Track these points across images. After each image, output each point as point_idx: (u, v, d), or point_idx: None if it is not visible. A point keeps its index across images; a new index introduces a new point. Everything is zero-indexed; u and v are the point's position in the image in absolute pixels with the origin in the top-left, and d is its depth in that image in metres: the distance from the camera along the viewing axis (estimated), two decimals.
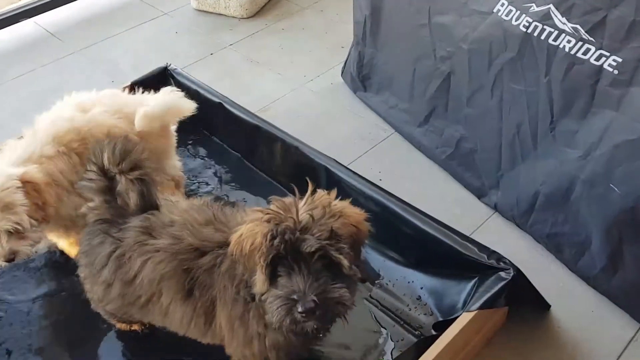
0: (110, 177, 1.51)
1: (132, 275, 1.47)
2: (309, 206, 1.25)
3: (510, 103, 2.03)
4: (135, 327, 1.80)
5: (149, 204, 1.52)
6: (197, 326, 1.46)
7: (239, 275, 1.36)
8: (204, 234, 1.44)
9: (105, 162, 1.48)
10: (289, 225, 1.21)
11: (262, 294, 1.26)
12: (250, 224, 1.28)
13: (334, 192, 1.32)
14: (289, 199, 1.28)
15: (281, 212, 1.24)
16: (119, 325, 1.81)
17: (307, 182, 1.30)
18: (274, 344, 1.40)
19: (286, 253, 1.20)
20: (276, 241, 1.20)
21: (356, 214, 1.33)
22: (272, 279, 1.23)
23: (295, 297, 1.19)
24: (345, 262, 1.21)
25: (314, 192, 1.30)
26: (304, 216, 1.22)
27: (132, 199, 1.49)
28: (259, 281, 1.25)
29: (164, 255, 1.44)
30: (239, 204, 1.59)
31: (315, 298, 1.18)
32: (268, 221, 1.23)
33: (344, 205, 1.31)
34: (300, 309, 1.18)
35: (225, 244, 1.38)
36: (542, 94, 1.90)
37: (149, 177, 1.51)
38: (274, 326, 1.25)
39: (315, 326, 1.23)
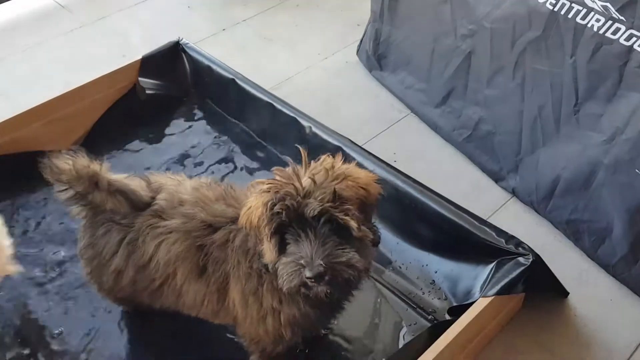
0: (82, 193, 1.44)
1: (146, 260, 1.44)
2: (312, 171, 1.21)
3: (532, 84, 1.97)
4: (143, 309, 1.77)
5: (139, 206, 1.46)
6: (210, 304, 1.43)
7: (252, 250, 1.33)
8: (216, 210, 1.41)
9: (66, 181, 1.42)
10: (289, 191, 1.17)
11: (274, 264, 1.23)
12: (255, 195, 1.25)
13: (339, 156, 1.28)
14: (291, 168, 1.24)
15: (283, 180, 1.21)
16: (125, 308, 1.79)
17: (299, 150, 1.27)
18: (290, 319, 1.37)
19: (290, 220, 1.17)
20: (277, 208, 1.17)
21: (364, 175, 1.29)
22: (282, 248, 1.21)
23: (302, 262, 1.16)
24: (353, 224, 1.17)
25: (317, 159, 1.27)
26: (306, 181, 1.19)
27: (122, 208, 1.44)
28: (267, 251, 1.23)
29: (177, 235, 1.41)
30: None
31: (322, 262, 1.15)
32: (268, 190, 1.21)
33: (350, 167, 1.27)
34: (307, 274, 1.15)
35: (237, 219, 1.35)
36: (566, 76, 1.84)
37: (122, 187, 1.43)
38: (285, 291, 1.22)
39: (328, 291, 1.19)
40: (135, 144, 2.40)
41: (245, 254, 1.35)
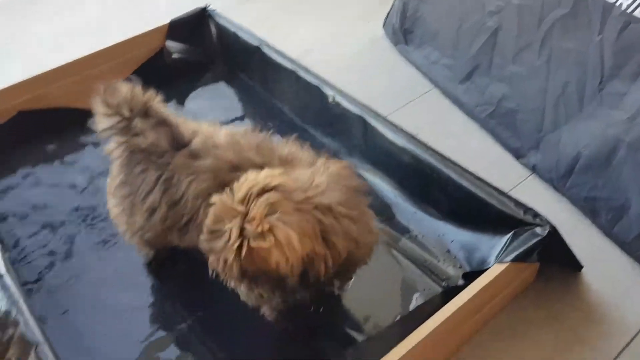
0: (128, 118, 1.50)
1: (178, 197, 1.49)
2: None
3: (558, 62, 1.97)
4: (164, 257, 1.82)
5: (181, 144, 1.52)
6: None
7: None
8: (245, 155, 1.46)
9: (115, 106, 1.48)
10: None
11: None
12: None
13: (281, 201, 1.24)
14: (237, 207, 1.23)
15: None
16: (149, 257, 1.84)
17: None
18: None
19: None
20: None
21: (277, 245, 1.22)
22: None
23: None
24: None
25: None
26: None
27: (162, 141, 1.50)
28: None
29: (207, 174, 1.45)
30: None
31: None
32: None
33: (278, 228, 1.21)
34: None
35: (262, 167, 1.38)
36: (592, 54, 1.84)
37: (168, 120, 1.51)
38: None
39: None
40: None
41: None
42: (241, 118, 2.43)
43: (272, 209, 1.20)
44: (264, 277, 1.26)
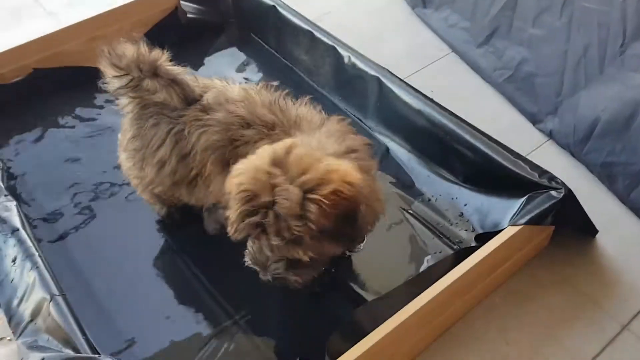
0: (137, 78, 1.49)
1: (188, 150, 1.49)
2: (282, 205, 1.18)
3: (579, 23, 1.92)
4: (176, 215, 1.83)
5: (192, 100, 1.52)
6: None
7: None
8: (257, 111, 1.45)
9: (123, 68, 1.48)
10: (258, 220, 1.21)
11: None
12: (242, 174, 1.24)
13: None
14: (272, 170, 1.21)
15: (257, 189, 1.20)
16: (161, 213, 1.85)
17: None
18: None
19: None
20: (242, 225, 1.23)
21: (343, 183, 1.20)
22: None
23: (256, 268, 1.31)
24: (305, 258, 1.24)
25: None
26: (272, 213, 1.19)
27: (173, 99, 1.50)
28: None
29: (217, 127, 1.45)
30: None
31: (270, 278, 1.31)
32: (246, 191, 1.21)
33: (327, 173, 1.21)
34: (261, 277, 1.31)
35: (272, 126, 1.37)
36: (615, 14, 1.79)
37: (178, 78, 1.49)
38: None
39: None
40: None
41: None
42: (256, 82, 2.41)
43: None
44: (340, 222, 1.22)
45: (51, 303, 1.49)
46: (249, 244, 1.31)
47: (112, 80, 1.52)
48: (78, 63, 2.24)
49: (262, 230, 1.21)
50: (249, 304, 1.66)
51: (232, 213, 1.24)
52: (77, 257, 1.80)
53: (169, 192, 1.63)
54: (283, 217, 1.18)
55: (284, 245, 1.21)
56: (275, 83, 1.57)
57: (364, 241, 1.75)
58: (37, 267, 1.56)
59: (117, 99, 1.61)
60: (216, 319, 1.64)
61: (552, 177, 1.65)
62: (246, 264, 1.34)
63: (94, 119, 2.23)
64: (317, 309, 1.66)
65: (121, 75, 1.50)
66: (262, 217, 1.20)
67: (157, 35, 2.43)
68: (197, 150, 1.48)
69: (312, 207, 1.17)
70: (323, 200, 1.17)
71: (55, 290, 1.51)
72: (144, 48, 1.49)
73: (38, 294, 1.52)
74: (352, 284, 1.72)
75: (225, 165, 1.46)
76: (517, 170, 1.70)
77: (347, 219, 1.23)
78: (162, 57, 1.50)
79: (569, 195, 1.61)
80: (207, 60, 2.51)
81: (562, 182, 1.64)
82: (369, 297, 1.67)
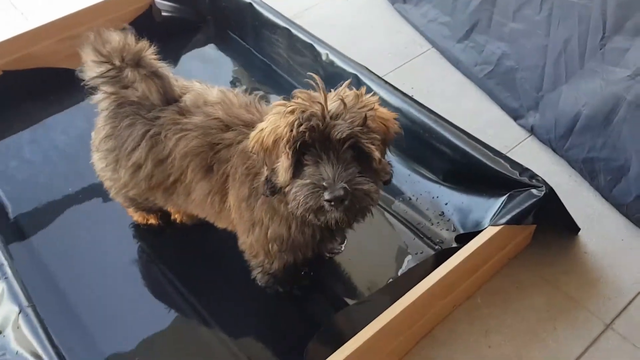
0: (118, 67, 1.44)
1: (165, 154, 1.45)
2: (341, 94, 1.18)
3: (559, 17, 1.89)
4: (151, 220, 1.79)
5: (171, 99, 1.47)
6: (213, 205, 1.45)
7: (252, 160, 1.33)
8: (234, 112, 1.41)
9: (106, 54, 1.42)
10: (315, 112, 1.14)
11: (286, 186, 1.21)
12: (272, 117, 1.22)
13: (363, 88, 1.24)
14: (314, 92, 1.20)
15: (307, 102, 1.17)
16: (135, 217, 1.80)
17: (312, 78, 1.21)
18: (276, 236, 1.37)
19: (313, 141, 1.14)
20: (302, 127, 1.13)
21: (387, 111, 1.28)
22: (296, 170, 1.18)
23: (324, 184, 1.13)
24: (377, 154, 1.15)
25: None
26: (334, 103, 1.15)
27: (152, 94, 1.45)
28: (283, 170, 1.20)
29: (196, 132, 1.41)
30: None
31: (345, 185, 1.12)
32: (292, 112, 1.16)
33: (377, 101, 1.24)
34: (327, 196, 1.12)
35: (251, 124, 1.33)
36: (595, 8, 1.76)
37: (160, 72, 1.45)
38: (298, 213, 1.19)
39: (340, 218, 1.17)
40: None
41: (245, 159, 1.34)
42: (233, 81, 2.37)
43: None
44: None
45: (20, 315, 1.44)
46: (309, 170, 1.16)
47: (91, 67, 1.46)
48: (49, 64, 2.18)
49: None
50: (226, 310, 1.62)
51: (280, 129, 1.17)
52: (48, 264, 1.75)
53: (144, 196, 1.58)
54: (348, 108, 1.15)
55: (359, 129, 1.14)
56: (261, 93, 1.51)
57: (345, 242, 1.73)
58: (6, 278, 1.51)
59: (93, 93, 1.54)
60: (193, 326, 1.60)
61: (533, 175, 1.62)
62: (300, 203, 1.17)
63: (66, 122, 2.17)
64: (297, 314, 1.62)
65: (101, 62, 1.44)
66: (320, 110, 1.14)
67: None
68: (176, 156, 1.43)
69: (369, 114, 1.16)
70: (375, 113, 1.19)
71: (24, 302, 1.46)
72: (130, 37, 1.44)
73: (6, 305, 1.47)
74: (332, 287, 1.69)
75: (208, 171, 1.42)
76: (497, 169, 1.67)
77: (384, 143, 1.23)
78: (147, 48, 1.45)
79: (550, 194, 1.58)
80: (183, 58, 2.46)
81: (543, 180, 1.61)
82: (349, 300, 1.64)
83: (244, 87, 2.31)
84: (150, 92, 1.44)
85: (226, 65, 2.44)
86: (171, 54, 2.41)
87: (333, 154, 1.14)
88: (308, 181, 1.15)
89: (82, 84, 1.48)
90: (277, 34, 2.29)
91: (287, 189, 1.21)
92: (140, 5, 2.39)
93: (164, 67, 1.47)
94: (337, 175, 1.12)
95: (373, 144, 1.15)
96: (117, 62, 1.43)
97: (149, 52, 1.45)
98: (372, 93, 1.26)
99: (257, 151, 1.26)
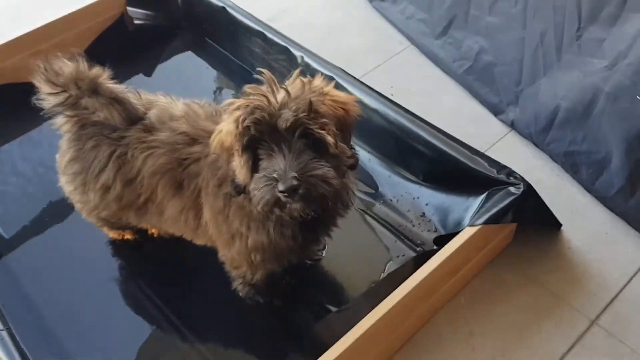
0: (75, 96, 1.39)
1: (134, 174, 1.41)
2: (286, 85, 1.16)
3: (535, 9, 1.86)
4: (127, 236, 1.75)
5: (135, 118, 1.43)
6: (188, 222, 1.42)
7: (222, 172, 1.29)
8: (200, 125, 1.38)
9: (60, 85, 1.38)
10: (260, 104, 1.11)
11: (247, 184, 1.19)
12: (227, 116, 1.20)
13: (319, 75, 1.22)
14: (265, 84, 1.17)
15: (255, 96, 1.14)
16: (111, 235, 1.77)
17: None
18: (257, 245, 1.34)
19: (262, 134, 1.12)
20: (247, 122, 1.11)
21: (343, 95, 1.24)
22: (255, 167, 1.16)
23: (275, 175, 1.11)
24: (330, 139, 1.12)
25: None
26: (280, 94, 1.13)
27: (115, 118, 1.40)
28: (239, 170, 1.18)
29: (163, 149, 1.37)
30: None
31: (295, 174, 1.09)
32: (238, 108, 1.15)
33: (328, 85, 1.21)
34: (280, 188, 1.10)
35: None
36: None
37: (120, 97, 1.40)
38: (259, 209, 1.17)
39: (302, 209, 1.15)
40: (124, 78, 2.33)
41: (216, 171, 1.31)
42: (214, 89, 2.34)
43: None
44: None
45: None
46: (263, 164, 1.14)
47: (47, 97, 1.42)
48: (21, 79, 2.13)
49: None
50: (205, 324, 1.60)
51: (230, 126, 1.16)
52: (24, 284, 1.71)
53: (116, 217, 1.55)
54: (292, 97, 1.12)
55: (305, 115, 1.11)
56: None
57: (325, 248, 1.70)
58: None
59: (53, 117, 1.52)
60: (172, 342, 1.57)
61: (511, 173, 1.60)
62: (257, 198, 1.15)
63: (40, 136, 2.13)
64: (278, 325, 1.59)
65: (58, 93, 1.41)
66: (265, 102, 1.11)
67: (103, 45, 2.34)
68: (144, 175, 1.40)
69: (319, 101, 1.14)
70: (327, 100, 1.17)
71: None
72: (83, 64, 1.39)
73: None
74: (313, 295, 1.65)
75: (178, 188, 1.39)
76: (475, 167, 1.64)
77: (344, 127, 1.20)
78: (102, 75, 1.40)
79: (529, 191, 1.55)
80: (159, 67, 2.42)
81: (521, 177, 1.58)
82: (331, 307, 1.61)
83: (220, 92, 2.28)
84: (113, 117, 1.40)
85: (204, 72, 2.40)
86: (146, 63, 2.40)
87: (285, 145, 1.11)
88: (262, 175, 1.14)
89: (41, 113, 1.44)
90: (252, 38, 2.25)
91: (249, 188, 1.19)
92: (111, 15, 2.35)
93: (122, 91, 1.42)
94: (287, 165, 1.10)
95: (323, 129, 1.12)
96: (74, 92, 1.38)
97: (105, 78, 1.40)
98: (332, 84, 1.22)
99: (220, 153, 1.24)
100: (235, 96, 1.29)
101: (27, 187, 1.99)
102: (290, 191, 1.10)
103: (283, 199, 1.12)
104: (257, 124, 1.11)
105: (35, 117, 2.13)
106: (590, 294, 1.58)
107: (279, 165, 1.11)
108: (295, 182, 1.09)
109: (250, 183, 1.17)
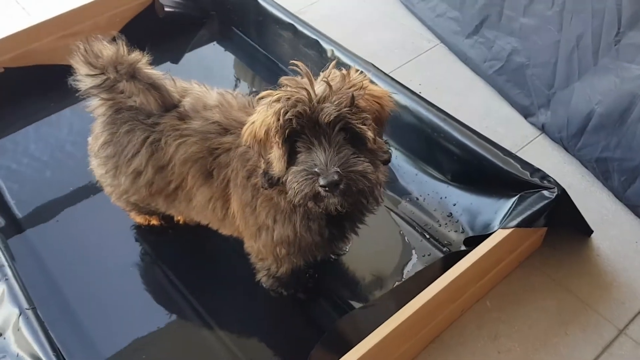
0: (114, 79, 1.40)
1: (166, 161, 1.41)
2: (326, 77, 1.14)
3: (572, 12, 1.83)
4: (154, 221, 1.75)
5: (170, 106, 1.43)
6: (215, 211, 1.41)
7: (251, 164, 1.29)
8: (233, 115, 1.37)
9: (99, 67, 1.38)
10: (301, 97, 1.10)
11: (282, 176, 1.18)
12: (261, 108, 1.19)
13: (354, 68, 1.21)
14: (303, 76, 1.16)
15: (294, 88, 1.13)
16: (137, 220, 1.77)
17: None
18: (283, 238, 1.33)
19: (303, 128, 1.11)
20: (289, 115, 1.10)
21: (379, 89, 1.23)
22: (291, 159, 1.15)
23: (317, 170, 1.10)
24: (370, 134, 1.12)
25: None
26: (320, 87, 1.12)
27: (151, 104, 1.41)
28: (276, 162, 1.17)
29: (195, 137, 1.37)
30: None
31: (338, 169, 1.08)
32: (278, 100, 1.13)
33: (366, 79, 1.19)
34: (322, 182, 1.09)
35: None
36: (610, 2, 1.71)
37: (157, 83, 1.40)
38: (296, 201, 1.16)
39: (339, 202, 1.14)
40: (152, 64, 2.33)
41: (245, 163, 1.31)
42: (237, 78, 2.33)
43: None
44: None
45: (20, 317, 1.42)
46: (302, 157, 1.13)
47: (84, 79, 1.42)
48: (51, 61, 2.14)
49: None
50: (228, 313, 1.59)
51: (269, 118, 1.14)
52: (49, 266, 1.72)
53: (145, 202, 1.55)
54: (334, 91, 1.11)
55: (347, 110, 1.10)
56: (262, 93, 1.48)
57: (350, 243, 1.69)
58: (7, 279, 1.49)
59: (87, 100, 1.52)
60: (194, 329, 1.57)
61: (545, 176, 1.58)
62: (295, 191, 1.14)
63: (69, 119, 2.14)
64: (300, 318, 1.59)
65: (96, 75, 1.40)
66: (306, 95, 1.10)
67: (133, 31, 2.33)
68: (176, 163, 1.40)
69: (359, 95, 1.13)
70: (365, 94, 1.15)
71: (24, 304, 1.44)
72: (122, 48, 1.39)
73: (7, 307, 1.44)
74: (337, 290, 1.64)
75: (208, 176, 1.39)
76: (507, 169, 1.62)
77: (378, 121, 1.19)
78: (141, 60, 1.40)
79: (562, 195, 1.53)
80: (187, 55, 2.42)
81: (555, 181, 1.56)
82: (354, 303, 1.60)
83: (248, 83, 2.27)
84: (149, 103, 1.41)
85: (230, 62, 2.40)
86: (174, 51, 2.40)
87: (324, 139, 1.11)
88: (301, 168, 1.13)
89: (77, 94, 1.43)
90: (281, 30, 2.24)
91: (284, 179, 1.18)
92: (143, 1, 2.35)
93: (160, 77, 1.42)
94: (329, 159, 1.10)
95: (364, 124, 1.11)
96: (112, 75, 1.39)
97: (144, 63, 1.41)
98: (359, 72, 1.21)
99: (252, 144, 1.23)
100: (268, 88, 1.28)
101: (59, 167, 2.00)
102: (332, 186, 1.09)
103: (323, 193, 1.11)
104: (298, 117, 1.10)
105: (63, 98, 2.18)
106: (618, 303, 1.56)
107: (319, 160, 1.10)
108: (336, 177, 1.08)
109: (286, 175, 1.16)
